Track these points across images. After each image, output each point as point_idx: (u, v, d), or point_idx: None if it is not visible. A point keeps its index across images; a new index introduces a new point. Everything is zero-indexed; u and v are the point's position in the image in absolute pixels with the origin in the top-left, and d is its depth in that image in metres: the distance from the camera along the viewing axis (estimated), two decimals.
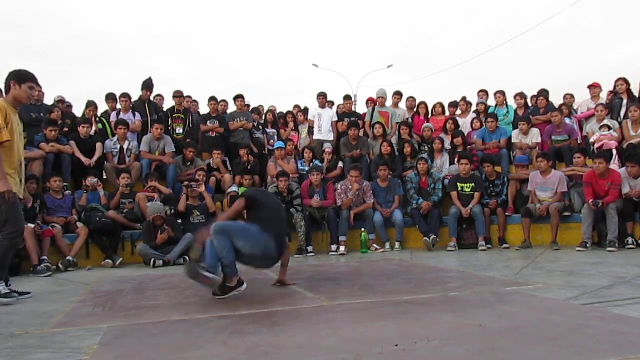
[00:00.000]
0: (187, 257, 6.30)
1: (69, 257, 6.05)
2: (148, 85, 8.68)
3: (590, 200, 6.21)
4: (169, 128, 8.52)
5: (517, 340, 2.36)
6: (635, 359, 2.03)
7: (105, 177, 7.73)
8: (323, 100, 9.14)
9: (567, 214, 6.73)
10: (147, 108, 8.62)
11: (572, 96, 9.11)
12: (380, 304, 3.35)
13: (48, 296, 4.25)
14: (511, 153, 8.13)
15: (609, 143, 7.32)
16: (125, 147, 7.84)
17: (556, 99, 9.21)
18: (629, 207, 6.26)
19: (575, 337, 2.38)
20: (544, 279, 4.10)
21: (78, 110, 9.11)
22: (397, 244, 7.01)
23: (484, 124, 8.49)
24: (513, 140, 8.16)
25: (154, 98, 9.10)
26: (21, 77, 3.97)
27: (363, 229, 6.94)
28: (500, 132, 8.21)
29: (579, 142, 8.06)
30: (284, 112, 10.25)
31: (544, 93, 9.02)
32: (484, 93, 9.52)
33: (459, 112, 9.33)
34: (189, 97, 9.44)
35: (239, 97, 8.94)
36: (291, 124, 9.71)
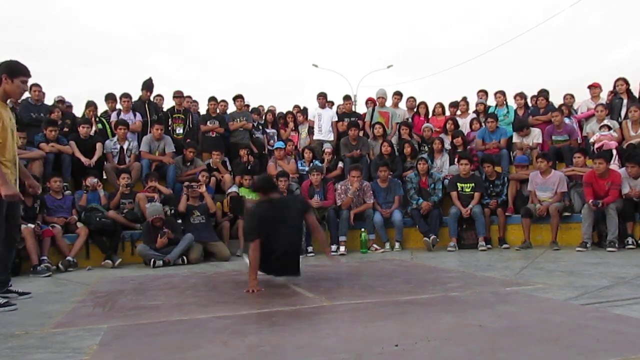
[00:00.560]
0: (186, 257, 6.32)
1: (68, 257, 6.05)
2: (148, 85, 8.68)
3: (590, 201, 6.21)
4: (169, 128, 8.52)
5: (517, 340, 2.36)
6: (635, 359, 2.03)
7: (105, 177, 7.73)
8: (323, 100, 9.14)
9: (567, 214, 6.73)
10: (147, 108, 8.62)
11: (572, 96, 9.11)
12: (380, 304, 3.35)
13: (48, 296, 4.25)
14: (511, 153, 8.13)
15: (609, 143, 7.32)
16: (125, 147, 7.84)
17: (556, 99, 9.22)
18: (628, 207, 6.26)
19: (575, 337, 2.38)
20: (544, 279, 4.10)
21: (78, 110, 9.13)
22: (396, 244, 7.00)
23: (483, 124, 8.50)
24: (514, 140, 8.16)
25: (154, 98, 9.11)
26: (13, 71, 3.74)
27: (363, 229, 6.94)
28: (500, 132, 8.21)
29: (579, 142, 8.06)
30: (284, 112, 10.26)
31: (544, 93, 9.02)
32: (483, 93, 9.51)
33: (459, 112, 9.33)
34: (189, 97, 9.44)
35: (238, 97, 8.94)
36: (291, 124, 9.72)
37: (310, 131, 9.31)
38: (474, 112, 9.18)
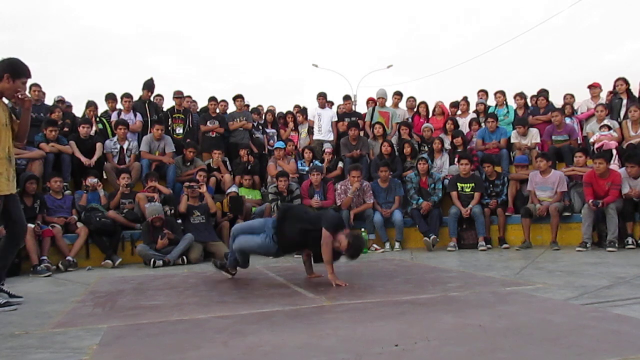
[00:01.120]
0: (186, 257, 6.32)
1: (68, 257, 6.05)
2: (149, 85, 8.68)
3: (590, 200, 6.21)
4: (169, 128, 8.52)
5: (517, 340, 2.36)
6: (635, 359, 2.03)
7: (105, 177, 7.73)
8: (323, 100, 9.15)
9: (567, 214, 6.73)
10: (147, 108, 8.62)
11: (572, 96, 9.10)
12: (380, 304, 3.35)
13: (48, 296, 4.25)
14: (511, 153, 8.13)
15: (609, 143, 7.32)
16: (125, 147, 7.84)
17: (556, 99, 9.23)
18: (628, 207, 6.26)
19: (575, 337, 2.38)
20: (544, 279, 4.10)
21: (78, 110, 9.13)
22: (397, 244, 7.00)
23: (482, 124, 8.50)
24: (512, 141, 8.16)
25: (154, 98, 9.10)
26: (16, 72, 3.69)
27: (363, 229, 6.94)
28: (500, 132, 8.21)
29: (579, 142, 8.06)
30: (284, 112, 10.26)
31: (544, 93, 9.02)
32: (483, 93, 9.51)
33: (459, 112, 9.33)
34: (189, 97, 9.45)
35: (238, 97, 8.94)
36: (291, 124, 9.72)
37: (310, 131, 9.32)
38: (474, 111, 9.18)
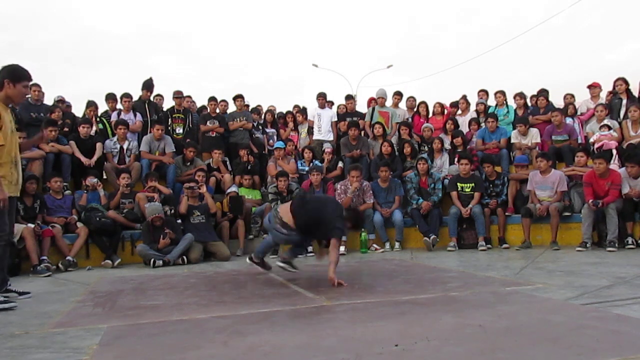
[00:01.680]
0: (186, 257, 6.32)
1: (68, 257, 6.05)
2: (148, 85, 8.68)
3: (590, 200, 6.21)
4: (169, 128, 8.52)
5: (517, 340, 2.36)
6: (635, 359, 2.03)
7: (105, 177, 7.73)
8: (322, 100, 9.15)
9: (566, 213, 6.73)
10: (147, 108, 8.62)
11: (572, 96, 9.10)
12: (380, 304, 3.35)
13: (48, 296, 4.25)
14: (511, 153, 8.13)
15: (609, 143, 7.32)
16: (125, 147, 7.84)
17: (556, 99, 9.22)
18: (628, 207, 6.26)
19: (575, 337, 2.38)
20: (544, 279, 4.10)
21: (78, 110, 9.13)
22: (396, 244, 7.00)
23: (482, 124, 8.50)
24: (512, 141, 8.16)
25: (154, 98, 9.11)
26: (16, 76, 3.81)
27: (363, 229, 6.94)
28: (500, 132, 8.21)
29: (579, 142, 8.06)
30: (284, 112, 10.26)
31: (543, 93, 9.02)
32: (484, 93, 9.51)
33: (459, 112, 9.33)
34: (189, 97, 9.45)
35: (238, 97, 8.94)
36: (291, 124, 9.72)
37: (310, 131, 9.31)
38: (474, 111, 9.18)
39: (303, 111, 9.98)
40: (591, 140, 7.68)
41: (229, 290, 4.26)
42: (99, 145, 7.65)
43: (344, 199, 7.03)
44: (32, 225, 5.83)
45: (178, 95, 8.77)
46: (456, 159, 7.44)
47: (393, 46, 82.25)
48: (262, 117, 9.74)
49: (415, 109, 9.55)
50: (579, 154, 7.16)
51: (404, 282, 4.32)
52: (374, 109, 9.10)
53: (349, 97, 9.60)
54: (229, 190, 7.34)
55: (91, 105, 8.65)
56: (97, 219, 6.41)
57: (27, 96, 4.06)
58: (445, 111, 9.33)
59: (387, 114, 8.99)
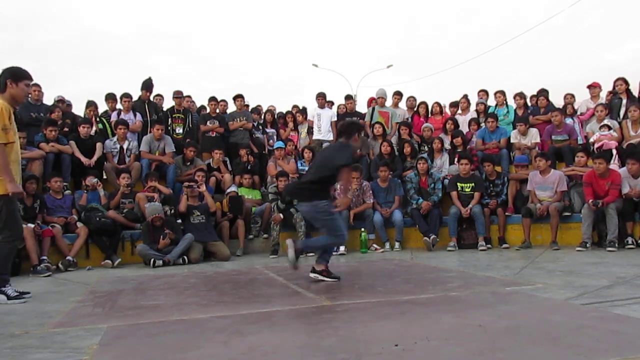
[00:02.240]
0: (186, 257, 6.32)
1: (68, 257, 6.05)
2: (148, 85, 8.68)
3: (590, 200, 6.20)
4: (169, 128, 8.52)
5: (517, 340, 2.36)
6: (635, 359, 2.03)
7: (105, 177, 7.73)
8: (322, 100, 9.15)
9: (566, 213, 6.73)
10: (147, 108, 8.62)
11: (572, 96, 9.09)
12: (380, 304, 3.35)
13: (48, 296, 4.25)
14: (511, 153, 8.13)
15: (609, 143, 7.31)
16: (125, 147, 7.84)
17: (556, 99, 9.22)
18: (628, 207, 6.26)
19: (575, 337, 2.38)
20: (544, 279, 4.10)
21: (78, 110, 9.13)
22: (396, 244, 7.00)
23: (482, 124, 8.50)
24: (512, 141, 8.15)
25: (154, 98, 9.11)
26: (17, 76, 3.98)
27: (363, 229, 6.94)
28: (500, 132, 8.21)
29: (578, 142, 8.06)
30: (284, 112, 10.26)
31: (544, 93, 9.01)
32: (484, 93, 9.50)
33: (459, 111, 9.33)
34: (189, 97, 9.45)
35: (238, 97, 8.94)
36: (290, 124, 9.72)
37: (310, 131, 9.31)
38: (474, 111, 9.18)
39: (303, 111, 9.98)
40: (591, 140, 7.67)
41: (229, 290, 4.26)
42: (99, 145, 7.65)
43: (344, 199, 7.02)
44: (32, 225, 5.83)
45: (178, 95, 8.77)
46: (456, 159, 7.44)
47: (393, 46, 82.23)
48: (262, 117, 9.74)
49: (415, 109, 9.55)
50: (579, 154, 7.16)
51: (404, 282, 4.32)
52: (373, 108, 9.10)
53: (349, 97, 9.59)
54: (228, 190, 7.34)
55: (91, 105, 8.65)
56: (97, 219, 6.41)
57: (29, 94, 4.29)
58: (444, 112, 9.33)
59: (387, 114, 8.98)
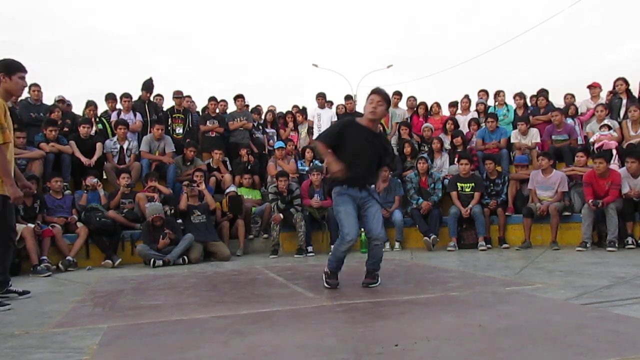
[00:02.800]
0: (186, 257, 6.32)
1: (68, 257, 6.05)
2: (148, 85, 8.68)
3: (590, 200, 6.21)
4: (169, 128, 8.52)
5: (517, 340, 2.35)
6: (635, 359, 2.03)
7: (105, 177, 7.73)
8: (322, 100, 9.16)
9: (567, 213, 6.73)
10: (147, 108, 8.62)
11: (572, 96, 9.11)
12: (380, 304, 3.35)
13: (48, 296, 4.25)
14: (511, 153, 8.13)
15: (609, 143, 7.32)
16: (125, 147, 7.84)
17: (556, 99, 9.22)
18: (628, 207, 6.26)
19: (575, 337, 2.38)
20: (544, 278, 4.10)
21: (78, 110, 9.12)
22: (397, 244, 7.00)
23: (482, 124, 8.50)
24: (512, 141, 8.16)
25: (154, 98, 9.11)
26: (9, 68, 3.74)
27: (363, 229, 6.92)
28: (500, 132, 8.22)
29: (579, 142, 8.06)
30: (284, 112, 10.26)
31: (543, 93, 9.02)
32: (484, 93, 9.51)
33: (459, 111, 9.33)
34: (189, 97, 9.45)
35: (238, 97, 8.95)
36: (290, 124, 9.72)
37: (310, 131, 9.32)
38: (474, 111, 9.18)
39: (303, 111, 9.98)
40: (591, 140, 7.68)
41: (229, 290, 4.26)
42: (99, 145, 7.65)
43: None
44: (32, 225, 5.83)
45: (178, 95, 8.77)
46: (456, 159, 7.44)
47: (393, 46, 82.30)
48: (262, 117, 9.74)
49: (414, 109, 9.55)
50: (579, 154, 7.16)
51: (404, 282, 4.32)
52: None
53: (349, 97, 9.59)
54: (228, 190, 7.34)
55: (91, 105, 8.65)
56: (97, 219, 6.41)
57: (24, 88, 4.02)
58: (440, 114, 9.33)
59: (387, 114, 8.98)
